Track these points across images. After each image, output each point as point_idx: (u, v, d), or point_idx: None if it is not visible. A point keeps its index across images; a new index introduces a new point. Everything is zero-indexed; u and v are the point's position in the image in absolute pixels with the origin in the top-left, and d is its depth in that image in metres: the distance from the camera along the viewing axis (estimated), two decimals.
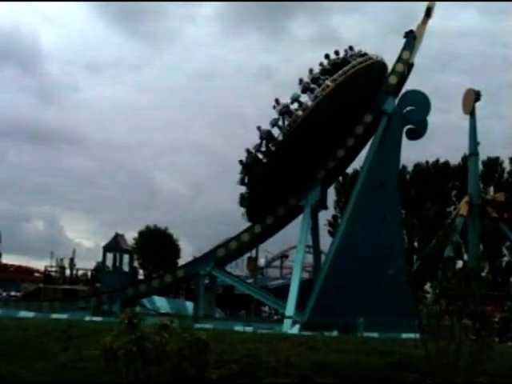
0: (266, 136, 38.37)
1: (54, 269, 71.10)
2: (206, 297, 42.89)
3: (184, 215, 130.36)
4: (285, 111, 37.90)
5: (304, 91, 38.14)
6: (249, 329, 32.67)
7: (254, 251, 58.87)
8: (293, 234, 45.18)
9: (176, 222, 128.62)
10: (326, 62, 39.28)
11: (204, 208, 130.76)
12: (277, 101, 38.21)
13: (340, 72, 37.88)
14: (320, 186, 40.45)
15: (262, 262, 76.65)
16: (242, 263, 70.82)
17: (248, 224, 42.00)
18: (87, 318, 30.99)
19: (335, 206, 75.10)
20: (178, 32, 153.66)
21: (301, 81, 38.49)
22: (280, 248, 77.10)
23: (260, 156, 38.93)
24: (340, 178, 66.81)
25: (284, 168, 37.44)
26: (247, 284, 49.49)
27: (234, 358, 15.09)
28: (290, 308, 37.24)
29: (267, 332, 28.30)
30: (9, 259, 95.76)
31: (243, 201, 40.23)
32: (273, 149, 38.08)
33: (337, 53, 39.41)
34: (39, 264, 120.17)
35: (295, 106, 37.91)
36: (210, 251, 43.45)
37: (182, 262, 76.69)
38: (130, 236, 78.70)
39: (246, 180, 39.60)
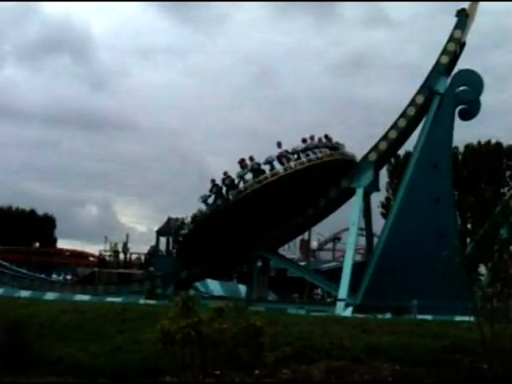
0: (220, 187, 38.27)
1: (108, 253, 72.03)
2: (258, 280, 43.02)
3: None
4: (256, 169, 38.09)
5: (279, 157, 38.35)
6: (302, 311, 32.75)
7: (306, 234, 58.83)
8: (345, 216, 45.05)
9: None
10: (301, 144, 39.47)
11: None
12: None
13: (304, 160, 38.39)
14: (372, 167, 40.18)
15: (314, 244, 76.52)
16: (295, 246, 70.83)
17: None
18: (141, 302, 31.31)
19: (387, 187, 74.38)
20: (227, 16, 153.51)
21: (279, 144, 38.87)
22: (332, 230, 76.88)
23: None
24: (392, 160, 66.16)
25: (226, 225, 37.51)
26: (300, 267, 49.52)
27: (288, 340, 15.14)
28: (343, 290, 37.12)
29: (320, 314, 28.29)
30: (64, 244, 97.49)
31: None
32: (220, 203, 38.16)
33: (312, 138, 39.53)
34: (93, 248, 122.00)
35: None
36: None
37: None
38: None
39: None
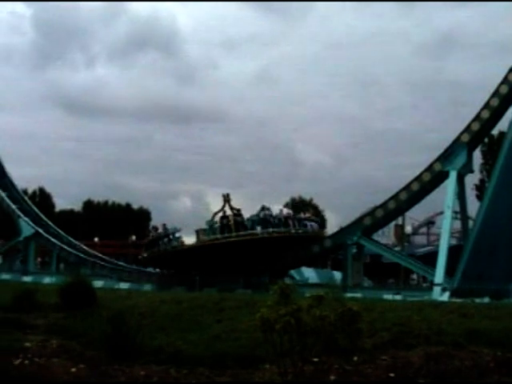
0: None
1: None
2: (353, 266, 42.91)
3: (328, 185, 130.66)
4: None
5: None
6: (398, 297, 32.52)
7: (400, 219, 58.32)
8: (439, 199, 44.44)
9: (320, 193, 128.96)
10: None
11: (347, 177, 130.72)
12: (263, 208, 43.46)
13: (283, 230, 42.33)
14: (466, 149, 39.47)
15: (408, 229, 75.66)
16: (389, 231, 70.24)
17: (392, 192, 41.67)
18: (239, 291, 31.66)
19: (481, 169, 72.88)
20: (311, 4, 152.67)
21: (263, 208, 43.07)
22: (426, 215, 75.85)
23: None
24: (486, 140, 64.71)
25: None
26: (395, 252, 49.12)
27: (385, 326, 15.04)
28: (439, 275, 36.72)
29: (417, 300, 28.01)
30: None
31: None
32: None
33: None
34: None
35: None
36: (356, 220, 43.44)
37: (328, 232, 77.03)
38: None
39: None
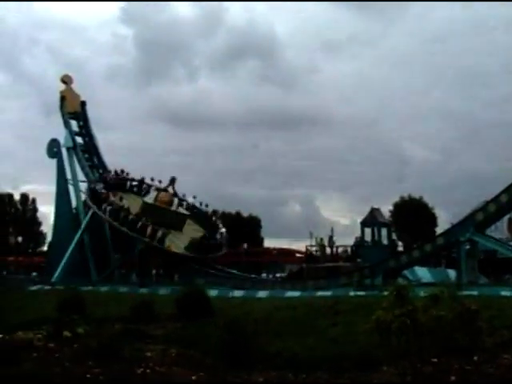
0: None
1: (314, 248, 72.81)
2: (468, 263, 41.97)
3: (437, 182, 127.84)
4: None
5: None
6: None
7: None
8: None
9: (430, 191, 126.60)
10: None
11: (456, 172, 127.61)
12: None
13: None
14: None
15: None
16: (502, 226, 68.34)
17: (504, 185, 40.60)
18: (351, 293, 31.45)
19: None
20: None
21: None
22: None
23: None
24: None
25: None
26: (511, 247, 47.76)
27: (505, 324, 14.68)
28: None
29: None
30: (270, 243, 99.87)
31: None
32: None
33: None
34: (299, 245, 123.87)
35: None
36: (468, 216, 42.43)
37: (439, 230, 75.71)
38: (386, 209, 78.85)
39: None
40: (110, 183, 56.08)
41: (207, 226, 57.87)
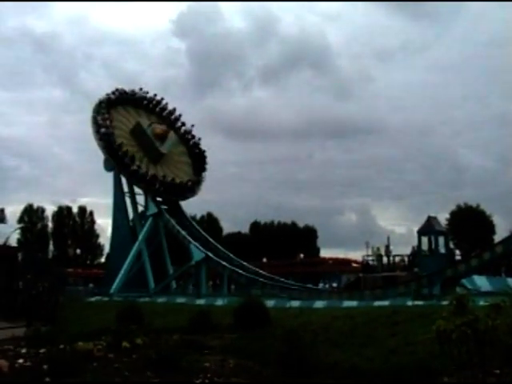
0: None
1: (370, 258, 72.39)
2: None
3: (494, 190, 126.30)
4: None
5: None
6: None
7: None
8: None
9: (487, 198, 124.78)
10: None
11: None
12: None
13: None
14: None
15: None
16: None
17: None
18: (409, 303, 31.12)
19: None
20: (460, 6, 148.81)
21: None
22: None
23: None
24: None
25: None
26: None
27: None
28: None
29: None
30: (326, 253, 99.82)
31: None
32: None
33: None
34: (355, 255, 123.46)
35: None
36: None
37: (497, 237, 74.68)
38: (442, 217, 78.09)
39: None
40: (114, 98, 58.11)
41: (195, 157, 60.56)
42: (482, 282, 49.80)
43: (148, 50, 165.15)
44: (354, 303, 35.67)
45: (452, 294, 10.57)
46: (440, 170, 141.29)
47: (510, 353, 10.23)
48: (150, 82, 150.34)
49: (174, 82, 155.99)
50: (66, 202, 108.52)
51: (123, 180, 58.72)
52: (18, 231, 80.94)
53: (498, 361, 10.53)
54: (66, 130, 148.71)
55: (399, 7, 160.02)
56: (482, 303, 10.97)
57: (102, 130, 53.15)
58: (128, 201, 60.21)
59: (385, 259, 70.42)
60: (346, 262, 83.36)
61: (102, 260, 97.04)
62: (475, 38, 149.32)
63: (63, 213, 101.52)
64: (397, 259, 72.48)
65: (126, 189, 59.64)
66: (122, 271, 55.24)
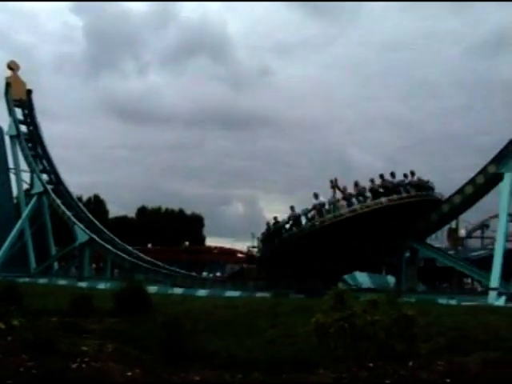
0: (293, 219, 40.47)
1: (255, 249, 73.09)
2: (407, 271, 42.55)
3: None
4: (319, 208, 39.76)
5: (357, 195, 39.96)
6: (452, 301, 32.15)
7: (453, 222, 57.67)
8: (493, 202, 43.82)
9: None
10: (378, 181, 40.40)
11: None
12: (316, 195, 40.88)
13: (395, 197, 38.95)
14: None
15: (462, 232, 74.81)
16: (442, 235, 69.43)
17: (447, 195, 41.31)
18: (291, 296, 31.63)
19: None
20: (359, 6, 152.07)
21: (356, 184, 40.58)
22: (480, 218, 74.84)
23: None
24: None
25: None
26: (450, 256, 48.55)
27: (441, 331, 14.88)
28: (495, 279, 36.19)
29: (472, 304, 27.69)
30: (212, 242, 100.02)
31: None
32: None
33: (392, 175, 40.31)
34: (241, 245, 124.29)
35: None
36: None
37: None
38: None
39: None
40: None
41: None
42: (363, 278, 51.17)
43: (43, 23, 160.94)
44: (236, 293, 35.99)
45: (333, 290, 10.80)
46: (330, 166, 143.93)
47: (383, 347, 10.55)
48: (44, 57, 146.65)
49: (70, 59, 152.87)
50: None
51: (9, 156, 57.19)
52: None
53: (373, 355, 10.82)
54: None
55: (300, 4, 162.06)
56: (361, 299, 11.26)
57: None
58: (13, 178, 58.73)
59: None
60: (232, 252, 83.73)
61: None
62: (372, 40, 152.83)
63: None
64: None
65: (11, 165, 58.13)
66: (2, 250, 53.87)
